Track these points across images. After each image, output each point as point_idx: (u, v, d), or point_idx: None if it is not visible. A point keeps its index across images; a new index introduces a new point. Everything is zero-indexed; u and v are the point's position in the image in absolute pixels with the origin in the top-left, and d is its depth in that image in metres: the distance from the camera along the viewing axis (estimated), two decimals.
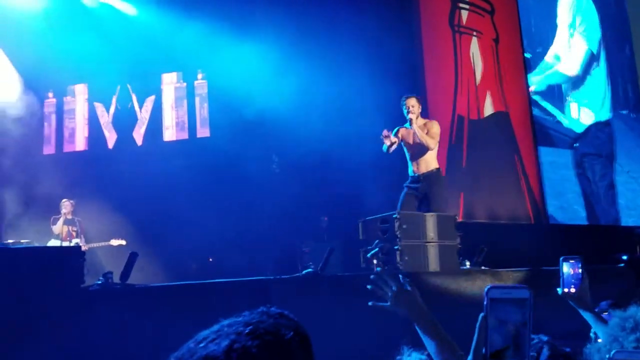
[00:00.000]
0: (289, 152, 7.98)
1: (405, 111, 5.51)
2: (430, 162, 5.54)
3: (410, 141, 5.51)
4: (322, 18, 7.48)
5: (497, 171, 7.75)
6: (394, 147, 5.38)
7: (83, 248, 6.79)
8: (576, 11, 9.24)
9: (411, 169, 5.57)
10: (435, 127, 5.55)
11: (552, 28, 9.02)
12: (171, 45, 8.05)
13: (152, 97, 8.55)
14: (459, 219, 5.77)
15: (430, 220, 4.41)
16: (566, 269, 1.93)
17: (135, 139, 8.56)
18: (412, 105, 5.47)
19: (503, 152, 7.91)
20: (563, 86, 8.91)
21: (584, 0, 9.38)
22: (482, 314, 0.97)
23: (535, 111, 8.43)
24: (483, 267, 5.07)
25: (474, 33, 8.00)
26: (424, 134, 5.41)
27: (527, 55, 8.59)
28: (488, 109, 7.95)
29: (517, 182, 7.96)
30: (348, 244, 6.71)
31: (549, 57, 8.86)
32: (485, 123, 7.91)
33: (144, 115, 8.59)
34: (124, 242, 7.18)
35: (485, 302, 0.97)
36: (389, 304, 1.58)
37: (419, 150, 5.49)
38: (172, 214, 7.63)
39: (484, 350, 0.96)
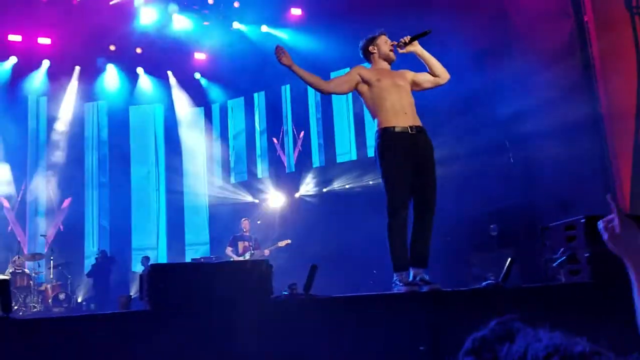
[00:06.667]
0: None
1: (377, 49, 4.11)
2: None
3: (401, 81, 4.02)
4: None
5: None
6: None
7: (266, 253, 7.85)
8: None
9: (394, 120, 3.86)
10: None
11: None
12: None
13: None
14: None
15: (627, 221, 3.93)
16: None
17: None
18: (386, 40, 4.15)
19: None
20: None
21: None
22: None
23: None
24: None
25: None
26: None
27: None
28: None
29: None
30: (522, 254, 6.31)
31: None
32: None
33: None
34: (289, 241, 7.94)
35: None
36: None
37: (409, 94, 4.03)
38: (348, 226, 7.95)
39: None
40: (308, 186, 11.23)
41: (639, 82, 6.88)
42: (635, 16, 7.07)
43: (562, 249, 3.92)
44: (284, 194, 11.48)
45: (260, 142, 12.19)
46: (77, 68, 11.71)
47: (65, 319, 3.03)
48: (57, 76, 11.51)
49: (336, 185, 10.82)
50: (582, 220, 3.80)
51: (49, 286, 9.24)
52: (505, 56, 7.59)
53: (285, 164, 11.80)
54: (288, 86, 11.73)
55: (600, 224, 1.44)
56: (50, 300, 9.04)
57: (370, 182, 9.30)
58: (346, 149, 11.11)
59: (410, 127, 3.90)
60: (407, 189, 3.86)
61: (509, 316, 0.90)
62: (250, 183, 12.01)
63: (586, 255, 3.76)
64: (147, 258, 10.12)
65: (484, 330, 0.88)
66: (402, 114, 3.91)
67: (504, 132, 7.33)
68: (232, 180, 12.32)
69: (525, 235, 6.82)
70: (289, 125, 11.80)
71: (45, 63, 11.32)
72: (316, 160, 11.46)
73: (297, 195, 11.34)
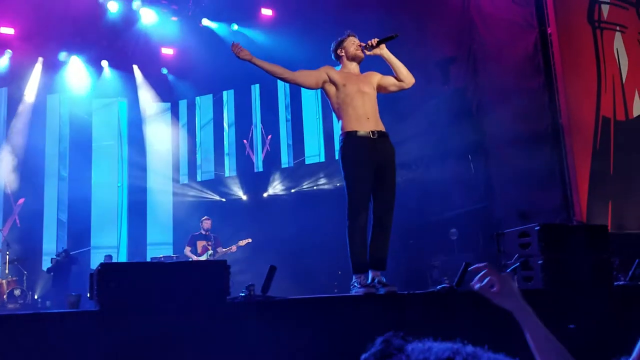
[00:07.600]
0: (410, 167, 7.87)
1: (345, 51, 4.17)
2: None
3: (366, 87, 4.06)
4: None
5: None
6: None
7: (224, 251, 7.77)
8: None
9: (357, 125, 3.93)
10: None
11: None
12: None
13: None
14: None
15: (578, 232, 4.03)
16: None
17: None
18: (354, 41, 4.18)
19: None
20: None
21: None
22: None
23: None
24: None
25: (617, 28, 7.32)
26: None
27: None
28: (637, 109, 7.19)
29: None
30: (480, 259, 6.42)
31: None
32: (634, 124, 7.16)
33: None
34: (250, 240, 7.92)
35: None
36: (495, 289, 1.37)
37: (373, 100, 4.08)
38: (315, 227, 7.96)
39: None
40: (276, 186, 11.19)
41: (599, 94, 7.08)
42: (596, 30, 7.28)
43: (516, 255, 3.99)
44: (252, 194, 11.41)
45: (228, 140, 12.08)
46: (40, 59, 11.40)
47: (9, 317, 2.93)
48: (20, 67, 11.19)
49: (305, 186, 10.82)
50: (537, 228, 3.88)
51: (4, 282, 8.98)
52: (470, 65, 7.71)
53: (254, 164, 11.73)
54: (258, 85, 11.66)
55: (476, 285, 1.40)
56: (5, 296, 8.78)
57: (338, 185, 9.35)
58: (315, 151, 11.11)
59: (372, 132, 3.95)
60: (368, 192, 3.90)
61: (391, 333, 0.93)
62: (217, 181, 11.88)
63: (539, 262, 3.84)
64: (109, 257, 9.93)
65: (371, 349, 0.91)
66: (365, 120, 3.97)
67: (466, 140, 7.44)
68: (199, 178, 12.17)
69: (484, 240, 6.95)
70: (257, 124, 11.74)
71: (8, 53, 11.00)
72: (285, 160, 11.43)
73: (265, 195, 11.28)
